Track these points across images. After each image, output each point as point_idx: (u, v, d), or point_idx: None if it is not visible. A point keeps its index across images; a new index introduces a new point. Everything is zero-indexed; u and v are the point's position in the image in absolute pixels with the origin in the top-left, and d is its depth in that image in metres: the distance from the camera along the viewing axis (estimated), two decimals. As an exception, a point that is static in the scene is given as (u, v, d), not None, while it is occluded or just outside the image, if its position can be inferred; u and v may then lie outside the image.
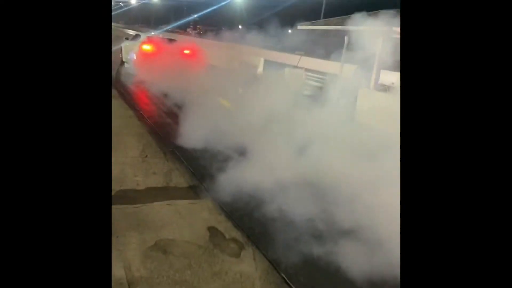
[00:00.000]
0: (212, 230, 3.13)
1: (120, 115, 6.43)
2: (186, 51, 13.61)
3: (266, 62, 14.83)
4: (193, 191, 3.86)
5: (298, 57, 13.60)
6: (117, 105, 7.22)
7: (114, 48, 16.10)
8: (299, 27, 11.68)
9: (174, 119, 6.70)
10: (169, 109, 7.64)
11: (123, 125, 5.82)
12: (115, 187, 3.70)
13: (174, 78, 11.27)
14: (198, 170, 4.45)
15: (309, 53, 12.34)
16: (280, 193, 3.82)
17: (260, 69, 15.13)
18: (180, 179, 4.11)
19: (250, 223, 3.33)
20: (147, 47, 13.14)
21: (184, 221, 3.22)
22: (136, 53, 13.34)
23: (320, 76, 10.25)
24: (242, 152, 4.85)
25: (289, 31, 12.88)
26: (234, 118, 5.96)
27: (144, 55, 13.15)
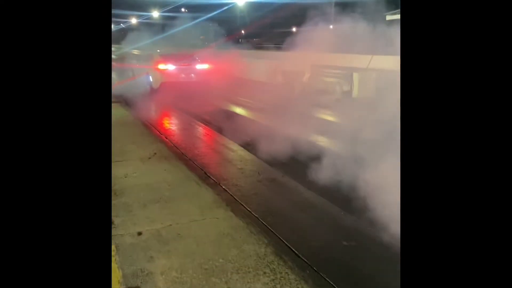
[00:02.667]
0: None
1: (201, 212, 3.62)
2: (201, 66, 11.15)
3: (315, 67, 12.11)
4: None
5: (368, 57, 10.83)
6: (192, 189, 4.43)
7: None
8: (388, 17, 8.91)
9: (299, 209, 3.90)
10: (279, 185, 4.85)
11: (231, 253, 3.01)
12: None
13: (222, 106, 8.60)
14: None
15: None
16: None
17: (306, 77, 12.44)
18: None
19: None
20: (163, 67, 10.67)
21: None
22: (152, 75, 10.98)
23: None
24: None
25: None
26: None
27: (162, 75, 10.74)
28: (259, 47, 16.66)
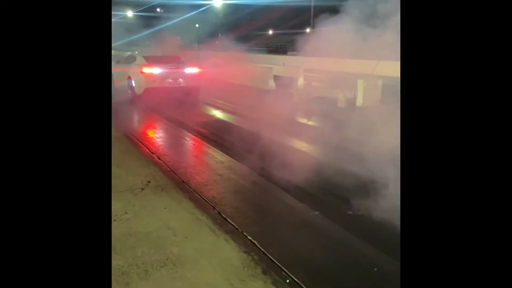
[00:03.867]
0: None
1: None
2: (191, 70, 10.00)
3: (316, 73, 11.21)
4: None
5: (374, 62, 9.98)
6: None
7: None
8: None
9: None
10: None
11: None
12: None
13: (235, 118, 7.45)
14: None
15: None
16: None
17: (304, 83, 11.54)
18: None
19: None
20: (148, 70, 9.52)
21: None
22: (135, 80, 9.81)
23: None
24: None
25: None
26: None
27: (146, 79, 9.56)
28: (256, 50, 15.67)
